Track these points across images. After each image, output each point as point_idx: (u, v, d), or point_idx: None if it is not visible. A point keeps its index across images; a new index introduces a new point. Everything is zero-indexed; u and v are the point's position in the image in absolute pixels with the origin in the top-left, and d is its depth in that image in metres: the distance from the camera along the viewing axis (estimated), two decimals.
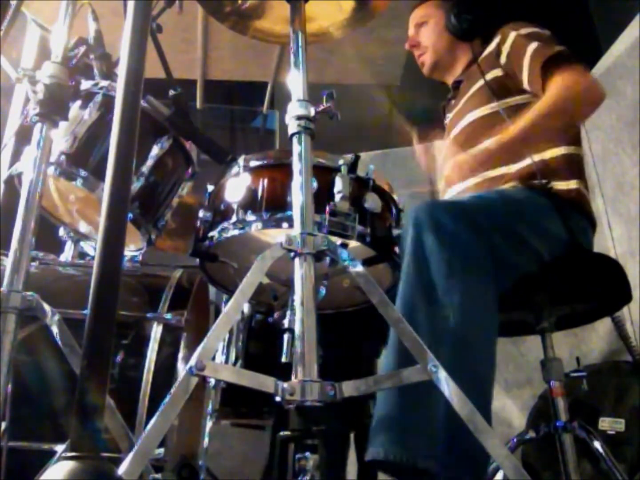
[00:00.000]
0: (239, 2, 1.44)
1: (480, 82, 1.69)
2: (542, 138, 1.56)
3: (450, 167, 1.50)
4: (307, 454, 0.85)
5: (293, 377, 0.92)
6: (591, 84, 1.52)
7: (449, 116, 1.86)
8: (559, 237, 1.46)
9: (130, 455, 0.77)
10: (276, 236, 1.17)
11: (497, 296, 1.24)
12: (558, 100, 1.48)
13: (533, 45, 1.58)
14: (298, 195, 1.05)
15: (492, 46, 1.71)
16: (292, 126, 1.11)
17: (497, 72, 1.67)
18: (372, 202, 1.24)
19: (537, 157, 1.55)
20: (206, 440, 1.63)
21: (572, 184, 1.55)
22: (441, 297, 1.16)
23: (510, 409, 2.60)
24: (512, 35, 1.65)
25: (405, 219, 1.30)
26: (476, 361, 1.15)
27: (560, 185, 1.54)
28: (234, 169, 1.31)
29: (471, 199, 1.43)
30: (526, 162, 1.55)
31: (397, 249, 1.29)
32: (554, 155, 1.58)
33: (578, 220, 1.53)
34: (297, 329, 0.95)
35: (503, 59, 1.66)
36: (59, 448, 1.11)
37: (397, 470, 1.12)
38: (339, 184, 1.19)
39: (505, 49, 1.66)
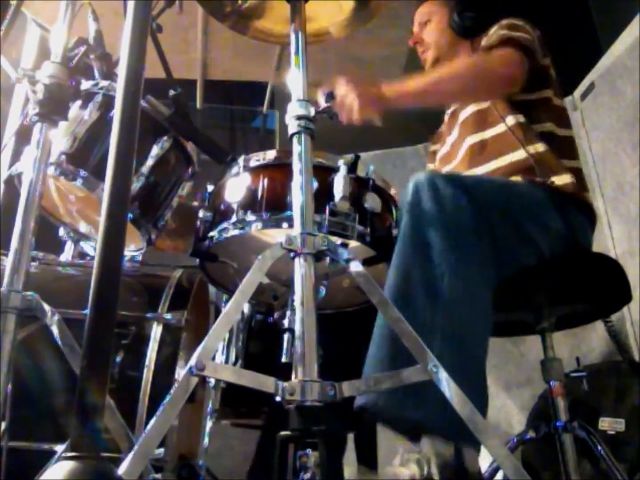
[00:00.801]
0: (239, 2, 1.44)
1: None
2: (433, 100, 1.60)
3: (353, 97, 1.40)
4: (308, 451, 0.85)
5: (293, 377, 0.92)
6: (505, 63, 1.53)
7: (448, 112, 1.88)
8: (558, 232, 1.46)
9: (130, 455, 0.77)
10: (276, 236, 1.18)
11: (493, 264, 1.23)
12: (463, 66, 1.54)
13: (494, 35, 1.62)
14: (298, 195, 1.05)
15: (483, 42, 1.73)
16: (292, 126, 1.11)
17: None
18: (372, 202, 1.24)
19: (532, 151, 1.55)
20: (206, 440, 1.63)
21: (567, 178, 1.55)
22: (437, 256, 1.16)
23: (510, 409, 2.60)
24: (492, 29, 1.68)
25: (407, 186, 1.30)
26: (469, 321, 1.15)
27: (558, 180, 1.54)
28: (234, 169, 1.31)
29: (472, 176, 1.44)
30: (519, 155, 1.56)
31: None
32: (536, 151, 1.58)
33: (577, 217, 1.53)
34: (297, 329, 0.95)
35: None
36: (59, 448, 1.11)
37: (386, 420, 1.13)
38: (339, 184, 1.19)
39: (484, 42, 1.68)
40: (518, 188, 1.49)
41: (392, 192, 1.36)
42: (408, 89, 1.47)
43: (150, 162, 1.42)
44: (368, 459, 1.48)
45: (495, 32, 1.65)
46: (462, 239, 1.20)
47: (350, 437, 1.58)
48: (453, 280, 1.14)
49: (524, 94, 1.62)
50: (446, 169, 1.81)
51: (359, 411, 1.09)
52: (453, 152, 1.77)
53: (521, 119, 1.60)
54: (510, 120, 1.60)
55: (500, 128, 1.62)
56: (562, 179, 1.53)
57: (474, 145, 1.67)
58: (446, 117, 1.90)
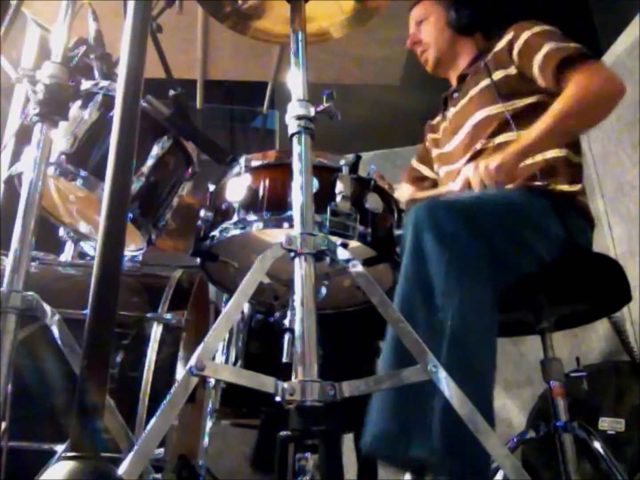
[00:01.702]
0: (239, 2, 1.44)
1: (487, 81, 1.69)
2: (561, 139, 1.57)
3: (478, 172, 1.44)
4: (307, 454, 0.85)
5: (293, 377, 0.92)
6: (607, 81, 1.52)
7: (452, 110, 1.84)
8: (558, 237, 1.46)
9: (130, 455, 0.77)
10: (277, 236, 1.17)
11: (496, 296, 1.23)
12: (575, 101, 1.48)
13: (549, 45, 1.57)
14: (298, 195, 1.05)
15: (502, 43, 1.70)
16: (292, 126, 1.11)
17: (508, 71, 1.66)
18: (373, 202, 1.24)
19: (538, 158, 1.55)
20: (206, 440, 1.63)
21: (571, 187, 1.56)
22: (440, 297, 1.16)
23: (510, 409, 2.60)
24: (526, 34, 1.64)
25: (405, 219, 1.30)
26: (476, 361, 1.15)
27: (559, 186, 1.54)
28: (235, 169, 1.31)
29: (471, 199, 1.43)
30: (528, 161, 1.55)
31: (398, 249, 1.29)
32: (554, 156, 1.58)
33: (577, 221, 1.53)
34: (297, 329, 0.95)
35: (515, 57, 1.65)
36: (59, 448, 1.11)
37: (392, 459, 1.13)
38: (340, 184, 1.19)
39: (518, 46, 1.65)
40: (515, 199, 1.49)
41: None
42: (535, 139, 1.47)
43: (150, 162, 1.42)
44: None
45: (537, 38, 1.61)
46: (464, 274, 1.19)
47: (350, 437, 1.58)
48: (456, 322, 1.13)
49: (527, 97, 1.61)
50: (446, 169, 1.81)
51: (365, 454, 1.08)
52: (457, 153, 1.76)
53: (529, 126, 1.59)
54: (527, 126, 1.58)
55: (510, 135, 1.60)
56: (562, 185, 1.54)
57: (482, 150, 1.65)
58: (449, 114, 1.87)
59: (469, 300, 1.17)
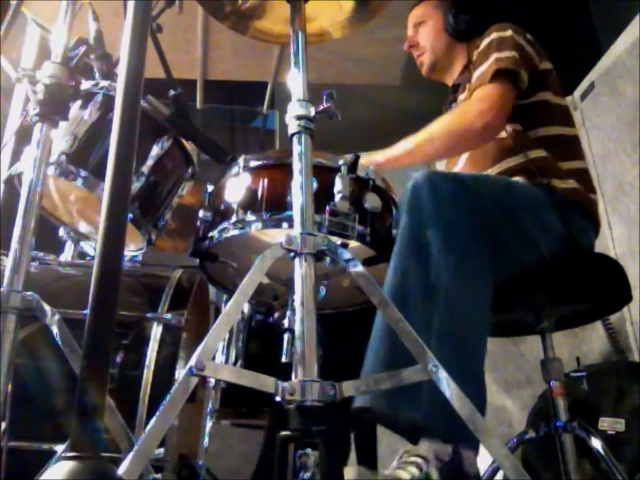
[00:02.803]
0: (239, 2, 1.44)
1: None
2: (432, 156, 1.74)
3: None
4: (308, 450, 0.85)
5: (293, 377, 0.92)
6: (479, 115, 1.53)
7: None
8: (557, 233, 1.46)
9: (130, 455, 0.77)
10: (276, 236, 1.17)
11: (490, 265, 1.23)
12: (450, 124, 1.57)
13: (484, 66, 1.60)
14: (298, 195, 1.05)
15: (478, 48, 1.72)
16: (292, 126, 1.11)
17: None
18: (372, 202, 1.24)
19: (531, 156, 1.55)
20: (206, 440, 1.63)
21: (571, 184, 1.55)
22: (435, 256, 1.16)
23: (510, 409, 2.60)
24: (483, 43, 1.66)
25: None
26: (467, 321, 1.15)
27: (559, 183, 1.54)
28: (234, 169, 1.31)
29: (472, 175, 1.44)
30: (520, 159, 1.55)
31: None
32: (545, 155, 1.58)
33: (578, 220, 1.53)
34: (297, 329, 0.95)
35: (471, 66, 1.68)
36: (59, 448, 1.11)
37: (384, 420, 1.14)
38: (339, 184, 1.19)
39: (475, 55, 1.68)
40: (519, 187, 1.49)
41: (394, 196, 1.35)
42: (396, 155, 1.57)
43: (150, 162, 1.42)
44: (368, 459, 1.48)
45: (483, 52, 1.63)
46: (461, 239, 1.20)
47: (350, 437, 1.58)
48: (451, 280, 1.14)
49: (520, 99, 1.61)
50: None
51: (357, 412, 1.09)
52: (454, 158, 1.77)
53: (518, 127, 1.60)
54: (514, 126, 1.60)
55: (500, 134, 1.61)
56: (563, 183, 1.54)
57: (475, 153, 1.66)
58: None
59: (464, 262, 1.17)
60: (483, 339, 1.17)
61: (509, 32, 1.63)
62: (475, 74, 1.62)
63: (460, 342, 1.11)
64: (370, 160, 1.54)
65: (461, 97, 1.78)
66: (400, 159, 1.57)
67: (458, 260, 1.16)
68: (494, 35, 1.65)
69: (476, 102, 1.55)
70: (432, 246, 1.17)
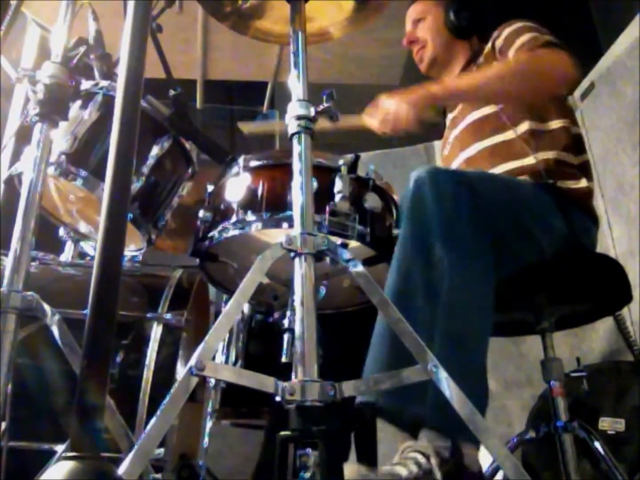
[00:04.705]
0: (239, 2, 1.44)
1: None
2: (491, 97, 1.57)
3: (406, 107, 1.42)
4: (309, 450, 0.85)
5: (293, 377, 0.92)
6: (561, 60, 1.49)
7: (450, 116, 1.85)
8: (560, 232, 1.46)
9: (130, 455, 0.77)
10: (276, 236, 1.17)
11: (493, 262, 1.22)
12: (526, 63, 1.49)
13: (525, 37, 1.58)
14: (298, 195, 1.05)
15: (489, 44, 1.71)
16: (292, 126, 1.11)
17: None
18: (372, 202, 1.24)
19: (540, 157, 1.54)
20: (206, 440, 1.63)
21: (580, 183, 1.55)
22: (438, 253, 1.15)
23: (510, 409, 2.60)
24: (506, 31, 1.65)
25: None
26: (469, 320, 1.15)
27: (567, 184, 1.53)
28: (234, 169, 1.31)
29: (475, 172, 1.43)
30: (527, 161, 1.55)
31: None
32: (561, 158, 1.58)
33: (581, 219, 1.53)
34: (297, 329, 0.95)
35: (498, 56, 1.65)
36: (59, 448, 1.11)
37: (386, 415, 1.14)
38: (339, 184, 1.19)
39: (499, 44, 1.65)
40: (522, 186, 1.49)
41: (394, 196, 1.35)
42: (459, 89, 1.48)
43: (150, 162, 1.43)
44: (368, 458, 1.48)
45: (514, 33, 1.61)
46: (463, 237, 1.19)
47: (350, 436, 1.58)
48: (453, 280, 1.14)
49: None
50: None
51: (359, 407, 1.09)
52: (454, 153, 1.76)
53: (534, 125, 1.58)
54: (524, 126, 1.58)
55: (508, 135, 1.60)
56: (573, 183, 1.53)
57: (480, 151, 1.65)
58: (447, 122, 1.86)
59: (466, 259, 1.17)
60: (485, 338, 1.17)
61: (528, 23, 1.63)
62: (514, 46, 1.56)
63: (462, 341, 1.11)
64: (425, 93, 1.45)
65: None
66: (462, 94, 1.48)
67: (460, 259, 1.16)
68: (518, 24, 1.63)
69: (549, 51, 1.49)
70: (434, 245, 1.17)
